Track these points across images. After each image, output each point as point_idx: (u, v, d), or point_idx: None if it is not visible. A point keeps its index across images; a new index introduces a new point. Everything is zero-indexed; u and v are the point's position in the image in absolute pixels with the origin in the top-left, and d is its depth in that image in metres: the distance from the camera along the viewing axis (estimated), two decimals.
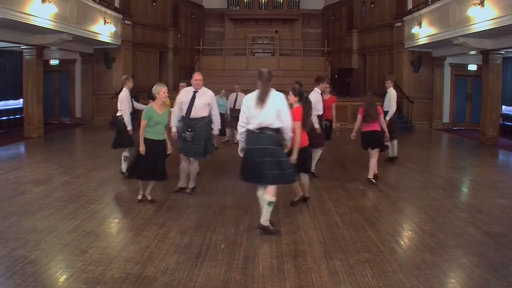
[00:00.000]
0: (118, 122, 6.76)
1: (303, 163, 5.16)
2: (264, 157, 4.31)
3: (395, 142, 8.31)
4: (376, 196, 6.11)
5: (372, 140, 6.68)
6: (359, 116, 6.72)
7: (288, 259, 3.89)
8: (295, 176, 4.68)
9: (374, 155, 6.67)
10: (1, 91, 12.71)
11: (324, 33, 20.16)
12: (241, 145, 4.54)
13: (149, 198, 5.53)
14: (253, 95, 4.40)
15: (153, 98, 5.41)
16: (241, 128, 4.49)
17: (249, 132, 4.41)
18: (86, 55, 14.13)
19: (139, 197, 5.55)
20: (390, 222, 4.98)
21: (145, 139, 5.27)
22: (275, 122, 4.34)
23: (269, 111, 4.31)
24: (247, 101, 4.40)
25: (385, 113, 7.69)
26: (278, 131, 4.40)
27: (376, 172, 6.72)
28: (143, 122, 5.25)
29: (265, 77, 4.37)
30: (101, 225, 4.78)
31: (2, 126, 12.43)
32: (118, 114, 6.74)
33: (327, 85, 7.56)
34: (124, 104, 6.57)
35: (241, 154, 4.56)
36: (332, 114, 7.50)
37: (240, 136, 4.54)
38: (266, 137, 4.34)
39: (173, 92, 9.05)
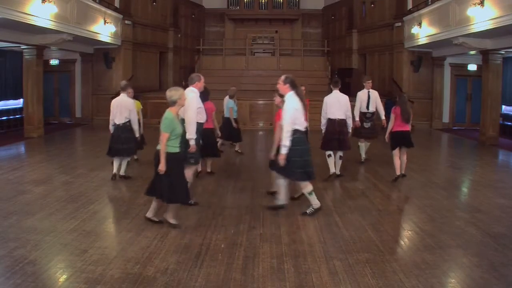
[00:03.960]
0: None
1: None
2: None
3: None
4: (376, 196, 6.11)
5: (406, 139, 6.73)
6: (393, 116, 6.72)
7: (288, 259, 3.89)
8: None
9: (404, 153, 6.79)
10: (1, 91, 12.70)
11: (324, 33, 20.16)
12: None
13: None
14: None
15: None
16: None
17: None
18: (86, 55, 14.13)
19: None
20: (390, 222, 4.98)
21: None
22: None
23: None
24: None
25: (373, 114, 8.05)
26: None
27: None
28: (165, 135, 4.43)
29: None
30: (101, 225, 4.78)
31: (2, 126, 12.43)
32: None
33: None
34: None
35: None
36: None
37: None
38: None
39: None
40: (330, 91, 7.17)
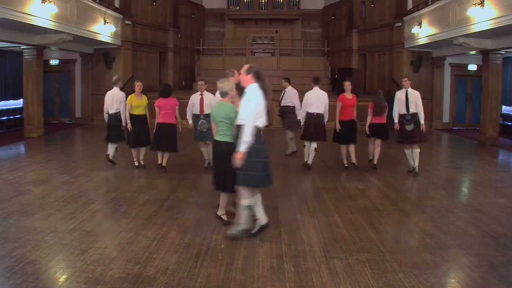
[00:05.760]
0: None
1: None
2: None
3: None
4: (376, 196, 6.11)
5: (380, 131, 7.54)
6: (370, 111, 7.60)
7: (288, 259, 3.89)
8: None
9: (379, 145, 7.59)
10: (1, 91, 12.71)
11: (324, 33, 20.15)
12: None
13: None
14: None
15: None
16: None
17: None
18: (86, 55, 14.13)
19: None
20: (390, 222, 4.98)
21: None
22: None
23: None
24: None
25: (414, 115, 7.27)
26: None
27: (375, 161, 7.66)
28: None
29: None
30: (101, 225, 4.78)
31: (2, 126, 12.44)
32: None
33: (349, 83, 7.62)
34: None
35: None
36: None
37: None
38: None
39: (174, 92, 9.02)
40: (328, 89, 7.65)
